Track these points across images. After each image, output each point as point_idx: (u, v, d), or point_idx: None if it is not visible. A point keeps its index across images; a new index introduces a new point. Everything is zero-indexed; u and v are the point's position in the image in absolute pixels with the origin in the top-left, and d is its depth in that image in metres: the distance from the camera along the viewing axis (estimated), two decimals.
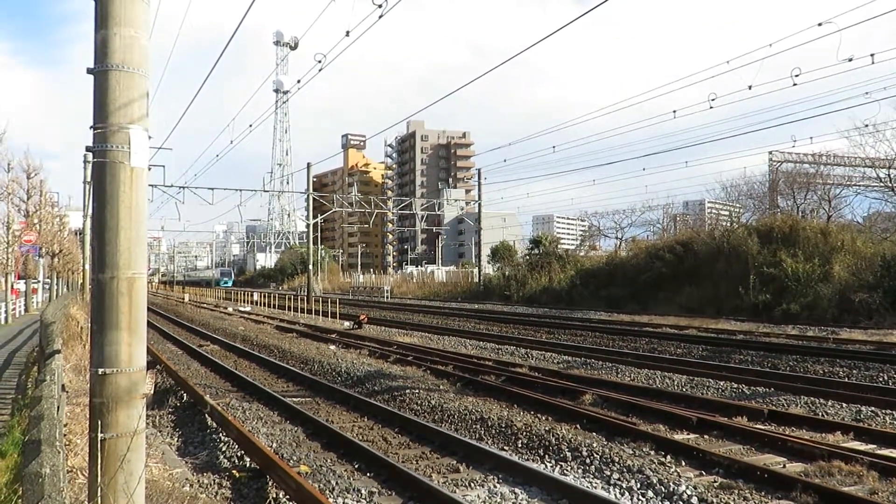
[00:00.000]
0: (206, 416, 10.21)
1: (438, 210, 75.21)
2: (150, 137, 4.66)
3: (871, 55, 18.88)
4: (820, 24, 16.85)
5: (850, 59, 18.46)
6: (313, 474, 7.22)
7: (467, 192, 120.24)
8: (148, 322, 5.01)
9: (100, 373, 4.30)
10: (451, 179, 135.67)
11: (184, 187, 40.33)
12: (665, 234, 54.47)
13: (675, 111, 24.58)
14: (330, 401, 11.82)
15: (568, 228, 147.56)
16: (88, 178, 34.20)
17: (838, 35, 16.58)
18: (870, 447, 8.06)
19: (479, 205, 54.98)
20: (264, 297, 48.78)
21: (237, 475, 7.39)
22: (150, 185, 39.67)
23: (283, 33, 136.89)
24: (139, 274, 4.51)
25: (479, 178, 54.13)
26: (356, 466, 7.70)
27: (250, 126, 24.91)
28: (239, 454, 8.25)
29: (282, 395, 11.88)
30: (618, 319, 27.97)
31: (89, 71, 4.53)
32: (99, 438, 4.20)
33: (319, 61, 16.26)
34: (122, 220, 4.42)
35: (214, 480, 7.26)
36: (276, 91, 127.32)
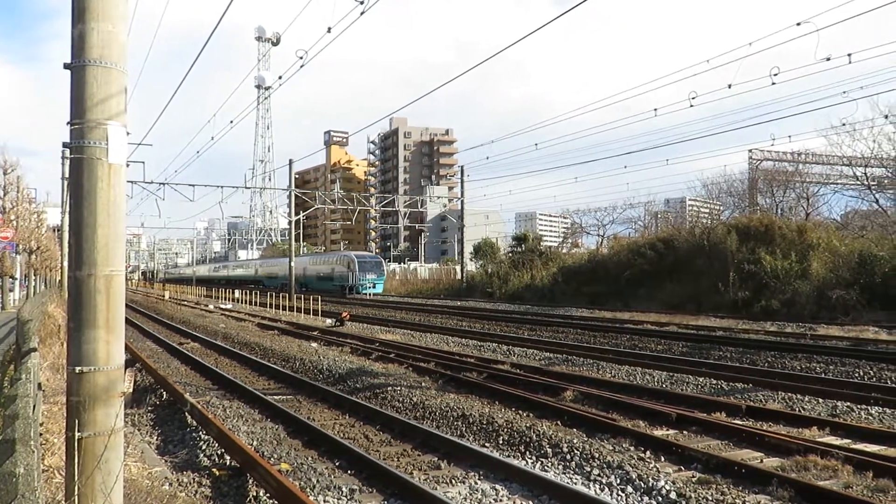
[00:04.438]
0: (186, 414, 10.15)
1: (421, 207, 75.16)
2: (128, 133, 4.62)
3: (849, 55, 19.11)
4: (798, 24, 17.03)
5: (828, 59, 18.68)
6: (294, 472, 7.21)
7: (450, 189, 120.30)
8: (127, 320, 4.96)
9: (77, 371, 4.26)
10: (434, 176, 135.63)
11: (164, 184, 39.99)
12: (646, 232, 54.87)
13: (656, 109, 24.75)
14: (311, 398, 11.79)
15: (550, 225, 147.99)
16: (66, 175, 33.80)
17: (816, 35, 16.78)
18: (845, 442, 8.18)
19: (462, 202, 55.02)
20: (246, 293, 48.50)
21: (217, 473, 7.35)
22: (129, 182, 39.31)
23: (265, 29, 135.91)
24: (117, 271, 4.47)
25: (462, 175, 54.15)
26: (337, 464, 7.69)
27: (231, 122, 24.75)
28: (219, 452, 8.21)
29: (263, 393, 11.83)
30: (599, 316, 28.13)
31: (66, 66, 4.49)
32: (76, 437, 4.17)
33: (301, 57, 16.20)
34: (100, 216, 4.38)
35: (194, 479, 7.22)
36: (258, 87, 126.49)
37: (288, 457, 7.84)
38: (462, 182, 54.17)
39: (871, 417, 9.70)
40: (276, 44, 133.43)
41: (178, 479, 7.15)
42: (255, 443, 8.48)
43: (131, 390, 12.02)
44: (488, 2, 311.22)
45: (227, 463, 7.79)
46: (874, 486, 6.50)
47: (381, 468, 7.12)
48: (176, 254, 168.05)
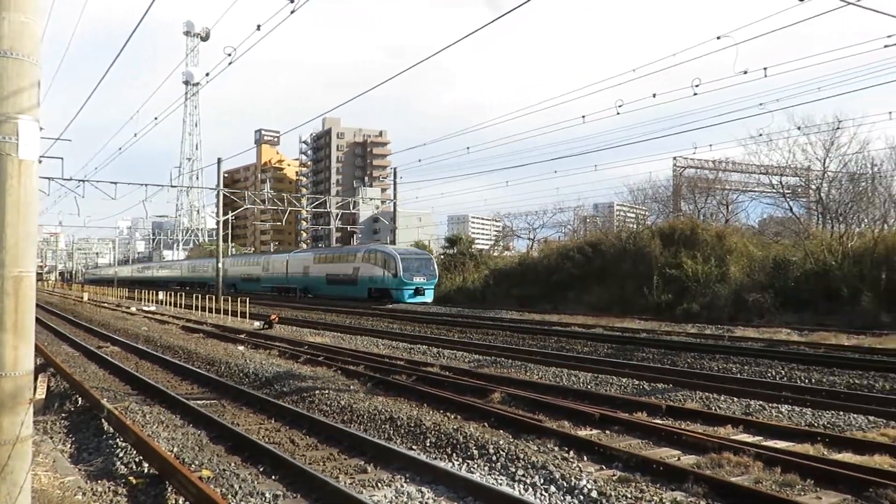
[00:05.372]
0: (103, 420, 9.77)
1: (354, 208, 74.52)
2: (41, 129, 4.45)
3: (765, 69, 20.05)
4: (718, 38, 17.73)
5: (745, 72, 19.53)
6: (216, 478, 7.03)
7: (383, 190, 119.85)
8: (42, 322, 4.75)
9: None
10: (366, 178, 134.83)
11: (83, 181, 38.50)
12: (575, 236, 55.99)
13: (584, 116, 25.30)
14: (236, 403, 11.53)
15: (482, 228, 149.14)
16: None
17: (735, 49, 17.52)
18: (756, 439, 8.56)
19: (395, 204, 54.94)
20: (170, 295, 47.06)
21: (134, 482, 7.11)
22: (46, 178, 37.65)
23: (194, 23, 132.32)
24: (27, 272, 4.28)
25: (395, 177, 54.06)
26: (261, 469, 7.55)
27: (156, 119, 23.99)
28: (137, 460, 7.93)
29: (185, 398, 11.50)
30: (529, 318, 28.55)
31: None
32: None
33: (229, 54, 15.87)
34: (10, 215, 4.20)
35: (109, 488, 6.96)
36: (186, 83, 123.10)
37: (210, 463, 7.65)
38: (395, 184, 54.08)
39: (781, 415, 10.17)
40: (205, 39, 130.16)
41: (92, 489, 6.88)
42: (175, 449, 8.23)
43: (43, 396, 11.51)
44: (421, 4, 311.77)
45: (146, 470, 7.54)
46: (782, 481, 6.82)
47: (306, 473, 7.03)
48: (97, 254, 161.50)
